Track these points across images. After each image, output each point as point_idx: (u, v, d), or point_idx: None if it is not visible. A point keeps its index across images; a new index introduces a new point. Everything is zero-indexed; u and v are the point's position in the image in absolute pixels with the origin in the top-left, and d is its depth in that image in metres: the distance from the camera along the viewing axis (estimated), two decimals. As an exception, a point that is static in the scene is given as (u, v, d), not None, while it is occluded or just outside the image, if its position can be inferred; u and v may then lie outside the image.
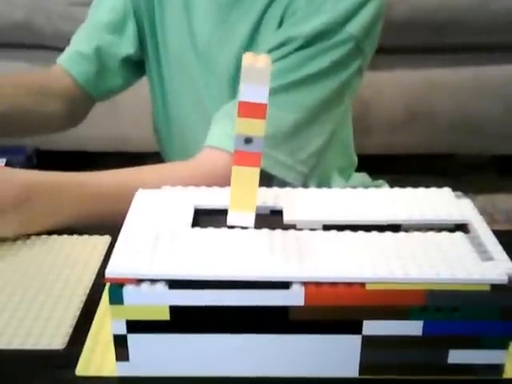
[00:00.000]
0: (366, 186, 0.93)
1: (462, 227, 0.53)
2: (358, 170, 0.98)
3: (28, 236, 0.67)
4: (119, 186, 0.69)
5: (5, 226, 0.64)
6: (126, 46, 0.89)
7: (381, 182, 0.96)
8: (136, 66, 0.92)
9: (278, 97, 0.75)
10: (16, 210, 0.64)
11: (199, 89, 0.87)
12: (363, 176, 0.96)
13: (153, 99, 0.95)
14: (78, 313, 0.56)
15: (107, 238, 0.67)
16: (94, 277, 0.61)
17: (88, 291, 0.59)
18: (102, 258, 0.64)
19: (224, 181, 0.56)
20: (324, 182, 0.88)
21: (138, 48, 0.90)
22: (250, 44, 0.80)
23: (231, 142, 0.73)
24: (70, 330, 0.54)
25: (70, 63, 0.88)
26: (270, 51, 0.76)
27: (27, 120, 0.85)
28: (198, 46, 0.85)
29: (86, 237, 0.67)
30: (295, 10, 0.76)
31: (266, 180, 0.76)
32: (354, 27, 0.75)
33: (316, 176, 0.84)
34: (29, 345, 0.53)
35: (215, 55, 0.84)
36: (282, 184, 0.76)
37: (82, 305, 0.57)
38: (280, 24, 0.78)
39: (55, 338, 0.53)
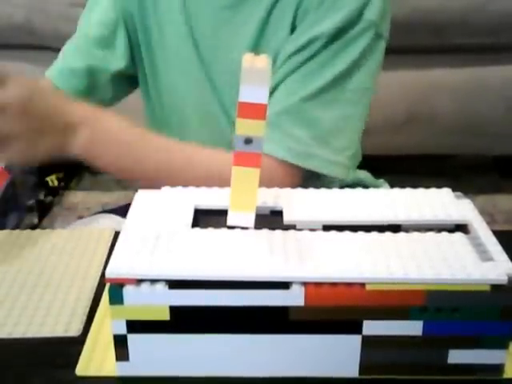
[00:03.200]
0: (369, 183, 0.94)
1: (461, 227, 0.53)
2: (359, 169, 0.98)
3: (33, 229, 0.69)
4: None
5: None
6: (117, 61, 0.87)
7: (381, 181, 0.96)
8: (127, 79, 0.90)
9: (318, 98, 0.76)
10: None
11: (205, 93, 0.86)
12: (365, 173, 0.96)
13: (149, 112, 0.94)
14: (87, 309, 0.57)
15: (111, 231, 0.68)
16: (99, 275, 0.62)
17: (95, 289, 0.60)
18: (105, 256, 0.64)
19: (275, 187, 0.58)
20: None
21: (129, 61, 0.88)
22: (258, 44, 0.80)
23: (277, 148, 0.74)
24: (84, 318, 0.56)
25: (60, 79, 0.86)
26: (295, 53, 0.76)
27: None
28: (201, 50, 0.84)
29: (89, 230, 0.69)
30: (307, 8, 0.76)
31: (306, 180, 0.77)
32: (371, 12, 0.76)
33: None
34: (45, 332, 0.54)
35: (221, 58, 0.83)
36: (322, 182, 0.77)
37: (90, 302, 0.58)
38: (293, 23, 0.78)
39: (72, 325, 0.55)
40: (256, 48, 0.80)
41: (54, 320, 0.55)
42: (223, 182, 0.59)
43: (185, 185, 0.59)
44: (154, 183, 0.73)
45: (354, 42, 0.76)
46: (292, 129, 0.75)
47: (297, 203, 0.56)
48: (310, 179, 0.78)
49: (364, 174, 0.96)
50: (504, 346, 0.48)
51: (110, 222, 0.83)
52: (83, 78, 0.86)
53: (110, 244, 0.66)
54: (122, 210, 0.77)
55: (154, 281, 0.47)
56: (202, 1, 0.83)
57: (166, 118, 0.91)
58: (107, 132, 0.74)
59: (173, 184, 0.60)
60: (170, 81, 0.88)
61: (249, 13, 0.80)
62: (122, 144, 0.74)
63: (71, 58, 0.87)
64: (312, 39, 0.75)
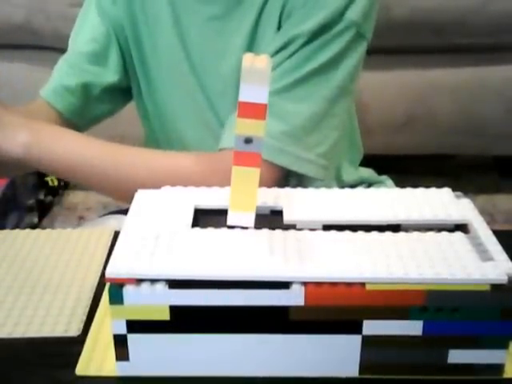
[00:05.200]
0: (373, 180, 0.94)
1: (461, 227, 0.53)
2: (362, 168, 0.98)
3: (33, 229, 0.69)
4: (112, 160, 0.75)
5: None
6: (110, 75, 0.88)
7: (385, 177, 0.96)
8: (122, 92, 0.91)
9: (291, 92, 0.75)
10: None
11: (199, 103, 0.86)
12: (369, 171, 0.96)
13: (145, 123, 0.94)
14: (87, 309, 0.57)
15: (111, 231, 0.68)
16: (99, 275, 0.62)
17: (94, 289, 0.60)
18: (105, 256, 0.64)
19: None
20: (336, 173, 0.88)
21: (122, 75, 0.89)
22: (250, 50, 0.80)
23: None
24: (83, 318, 0.56)
25: (55, 97, 0.86)
26: (276, 52, 0.76)
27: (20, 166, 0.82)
28: (193, 61, 0.84)
29: (89, 230, 0.69)
30: (292, 9, 0.76)
31: (284, 177, 0.77)
32: (354, 13, 0.76)
33: (332, 168, 0.84)
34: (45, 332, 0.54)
35: (212, 68, 0.83)
36: (300, 180, 0.77)
37: (90, 301, 0.58)
38: (279, 25, 0.78)
39: (71, 325, 0.55)
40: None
41: (54, 320, 0.55)
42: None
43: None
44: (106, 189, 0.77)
45: (333, 41, 0.76)
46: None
47: (297, 203, 0.56)
48: (292, 177, 0.78)
49: (367, 173, 0.96)
50: (504, 346, 0.48)
51: (118, 223, 0.83)
52: (78, 95, 0.87)
53: (109, 244, 0.66)
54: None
55: (154, 281, 0.47)
56: (192, 12, 0.83)
57: (164, 130, 0.91)
58: (50, 133, 0.75)
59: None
60: (165, 92, 0.88)
61: (238, 21, 0.80)
62: (66, 145, 0.75)
63: (65, 75, 0.87)
64: (293, 38, 0.76)
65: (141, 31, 0.86)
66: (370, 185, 0.92)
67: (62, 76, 0.88)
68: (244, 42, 0.80)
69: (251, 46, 0.80)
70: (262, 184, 0.54)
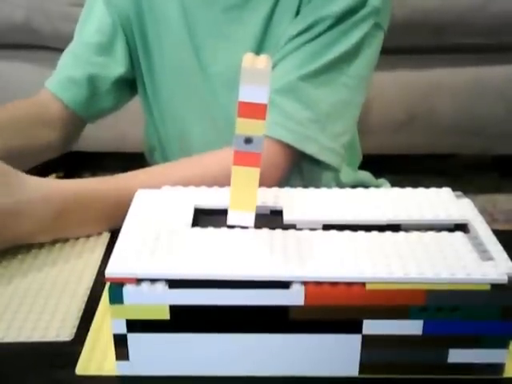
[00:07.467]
0: (369, 184, 0.94)
1: (461, 227, 0.53)
2: (360, 169, 0.98)
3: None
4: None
5: (40, 236, 0.65)
6: (117, 67, 0.87)
7: (383, 180, 0.96)
8: (128, 85, 0.90)
9: (317, 78, 0.75)
10: (53, 221, 0.64)
11: (204, 98, 0.85)
12: (366, 174, 0.96)
13: (147, 116, 0.93)
14: (80, 314, 0.56)
15: (106, 235, 0.67)
16: (94, 275, 0.61)
17: (89, 291, 0.59)
18: (101, 255, 0.64)
19: (273, 170, 0.55)
20: (335, 174, 0.88)
21: (129, 67, 0.88)
22: (263, 39, 0.80)
23: (279, 130, 0.73)
24: (76, 323, 0.55)
25: (60, 89, 0.85)
26: (297, 35, 0.76)
27: (23, 157, 0.80)
28: (201, 54, 0.83)
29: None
30: None
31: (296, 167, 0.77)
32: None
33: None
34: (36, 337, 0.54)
35: (221, 60, 0.82)
36: (302, 172, 0.78)
37: (83, 304, 0.57)
38: (298, 10, 0.77)
39: (62, 330, 0.54)
40: (262, 42, 0.79)
41: (48, 322, 0.55)
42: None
43: None
44: None
45: (356, 27, 0.76)
46: (291, 108, 0.74)
47: (297, 203, 0.56)
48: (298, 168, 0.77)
49: (364, 175, 0.96)
50: (504, 346, 0.48)
51: None
52: (84, 87, 0.86)
53: (106, 245, 0.66)
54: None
55: (153, 280, 0.47)
56: (203, 4, 0.82)
57: (166, 124, 0.90)
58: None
59: None
60: (168, 87, 0.87)
61: (254, 9, 0.79)
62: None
63: (71, 67, 0.86)
64: (317, 21, 0.75)
65: (146, 22, 0.85)
66: (367, 188, 0.92)
67: (68, 67, 0.87)
68: (258, 29, 0.79)
69: (265, 33, 0.79)
70: (276, 168, 0.53)
